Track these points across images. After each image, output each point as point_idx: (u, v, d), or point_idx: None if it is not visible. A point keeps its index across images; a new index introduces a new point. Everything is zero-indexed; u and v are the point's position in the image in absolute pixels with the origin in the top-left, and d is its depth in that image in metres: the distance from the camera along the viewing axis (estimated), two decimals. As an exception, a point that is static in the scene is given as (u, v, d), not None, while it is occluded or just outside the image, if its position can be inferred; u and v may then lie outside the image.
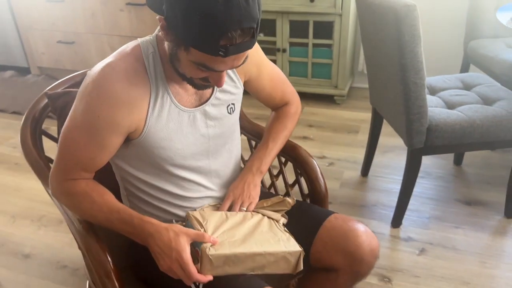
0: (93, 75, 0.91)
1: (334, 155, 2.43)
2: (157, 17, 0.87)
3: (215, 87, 1.05)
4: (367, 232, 1.08)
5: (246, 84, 1.16)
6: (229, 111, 1.09)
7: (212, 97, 1.04)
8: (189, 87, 0.99)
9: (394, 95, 1.68)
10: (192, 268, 0.90)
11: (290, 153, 1.32)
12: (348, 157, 2.41)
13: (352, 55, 3.04)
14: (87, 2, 3.20)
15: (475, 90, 1.89)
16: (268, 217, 1.10)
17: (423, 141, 1.67)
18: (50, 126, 1.40)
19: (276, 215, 1.11)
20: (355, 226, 1.08)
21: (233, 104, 1.10)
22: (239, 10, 0.76)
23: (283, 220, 1.11)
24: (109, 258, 0.96)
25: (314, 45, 2.87)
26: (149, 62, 0.94)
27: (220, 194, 1.14)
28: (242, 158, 1.47)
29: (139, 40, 0.98)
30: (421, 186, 2.14)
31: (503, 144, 1.72)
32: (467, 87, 1.95)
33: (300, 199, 1.31)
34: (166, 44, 0.91)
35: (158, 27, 0.95)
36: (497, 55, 2.19)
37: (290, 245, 1.01)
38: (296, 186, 1.36)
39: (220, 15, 0.76)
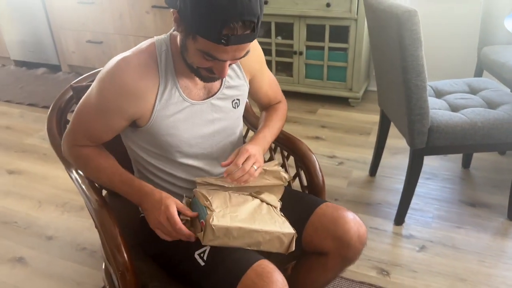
0: (110, 65, 1.05)
1: (344, 155, 2.50)
2: (171, 10, 0.99)
3: (223, 82, 1.15)
4: (355, 219, 1.17)
5: (250, 81, 1.26)
6: (234, 106, 1.20)
7: (219, 91, 1.15)
8: (198, 81, 1.10)
9: (397, 97, 1.75)
10: (178, 220, 1.01)
11: (291, 147, 1.41)
12: (357, 157, 2.48)
13: (368, 59, 3.11)
14: (115, 4, 3.37)
15: (481, 95, 1.94)
16: (267, 203, 1.19)
17: (425, 141, 1.74)
18: (74, 116, 1.53)
19: (275, 202, 1.20)
20: (344, 213, 1.17)
21: (238, 99, 1.20)
22: (241, 4, 0.87)
23: (279, 205, 1.20)
24: (119, 232, 1.08)
25: (330, 48, 2.95)
26: (161, 59, 1.06)
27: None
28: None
29: (155, 38, 1.10)
30: (427, 187, 2.19)
31: (505, 146, 1.77)
32: (473, 91, 2.00)
33: (300, 190, 1.40)
34: (178, 37, 1.03)
35: (173, 28, 1.06)
36: (508, 61, 2.22)
37: (285, 227, 1.10)
38: (297, 179, 1.45)
39: (224, 7, 0.87)
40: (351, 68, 2.94)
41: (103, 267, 1.45)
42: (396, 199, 2.10)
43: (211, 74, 1.03)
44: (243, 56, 0.99)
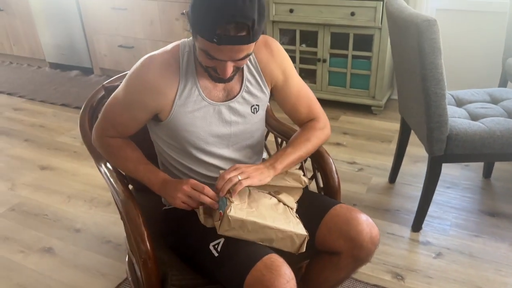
0: (138, 63, 1.15)
1: (365, 162, 2.53)
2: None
3: (243, 87, 1.21)
4: (368, 221, 1.20)
5: (272, 91, 1.30)
6: (253, 111, 1.25)
7: (238, 95, 1.21)
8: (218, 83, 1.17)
9: (417, 104, 1.78)
10: (202, 185, 1.12)
11: (309, 149, 1.46)
12: (378, 164, 2.50)
13: (392, 67, 3.13)
14: (147, 10, 3.50)
15: (502, 104, 1.94)
16: (284, 204, 1.24)
17: (443, 149, 1.76)
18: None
19: (291, 203, 1.25)
20: (357, 215, 1.20)
21: (257, 105, 1.25)
22: (235, 6, 0.93)
23: (296, 207, 1.25)
24: (143, 222, 1.15)
25: (354, 56, 2.99)
26: (183, 59, 1.14)
27: None
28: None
29: (182, 40, 1.18)
30: (446, 195, 2.19)
31: (525, 156, 1.77)
32: (494, 101, 2.00)
33: (316, 191, 1.44)
34: None
35: None
36: (532, 72, 2.22)
37: (298, 228, 1.15)
38: (313, 181, 1.49)
39: (218, 7, 0.94)
40: (374, 76, 2.96)
41: (127, 259, 1.53)
42: (414, 206, 2.11)
43: (217, 74, 1.10)
44: (243, 59, 1.04)
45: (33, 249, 1.96)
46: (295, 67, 3.17)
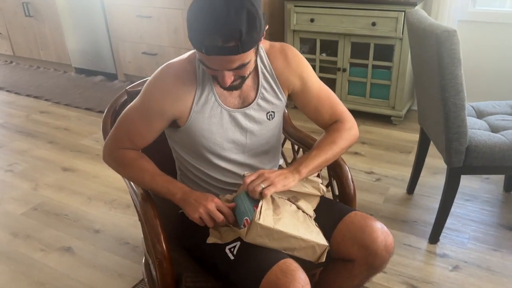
0: (156, 70, 1.18)
1: (383, 172, 2.52)
2: None
3: (258, 94, 1.23)
4: (382, 229, 1.20)
5: (291, 97, 1.31)
6: (268, 118, 1.27)
7: (253, 102, 1.23)
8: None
9: (436, 114, 1.77)
10: (225, 207, 1.14)
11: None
12: (396, 175, 2.48)
13: (412, 78, 3.11)
14: (171, 19, 3.57)
15: (524, 117, 1.92)
16: (303, 211, 1.24)
17: (462, 160, 1.74)
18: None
19: (310, 211, 1.26)
20: (372, 222, 1.20)
21: (272, 112, 1.27)
22: (220, 18, 0.96)
23: (314, 215, 1.25)
24: (159, 223, 1.18)
25: (374, 66, 2.98)
26: (200, 66, 1.17)
27: None
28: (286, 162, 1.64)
29: None
30: (465, 208, 2.16)
31: (546, 170, 1.74)
32: (516, 113, 1.98)
33: (331, 199, 1.45)
34: None
35: None
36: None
37: (319, 238, 1.15)
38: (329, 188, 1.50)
39: (204, 19, 0.97)
40: (394, 87, 2.95)
41: (143, 261, 1.56)
42: (432, 218, 2.08)
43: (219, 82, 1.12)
44: (239, 68, 1.05)
45: (53, 248, 2.01)
46: (314, 76, 3.18)
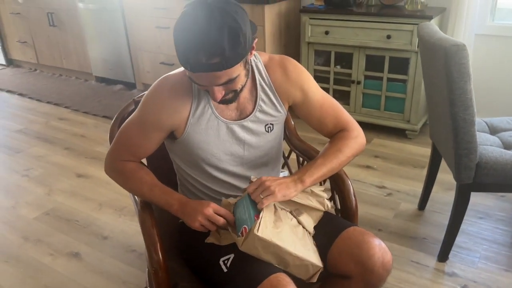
0: (154, 83, 1.20)
1: (394, 187, 2.47)
2: None
3: (256, 106, 1.23)
4: (380, 245, 1.17)
5: (293, 108, 1.31)
6: (267, 130, 1.27)
7: (251, 115, 1.23)
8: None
9: (445, 130, 1.74)
10: (222, 209, 1.14)
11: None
12: (408, 190, 2.44)
13: (429, 92, 3.07)
14: (188, 29, 3.62)
15: (539, 134, 1.86)
16: (303, 227, 1.23)
17: (472, 177, 1.70)
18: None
19: (310, 227, 1.24)
20: (370, 239, 1.18)
21: (271, 124, 1.27)
22: (201, 37, 0.97)
23: (313, 232, 1.24)
24: (157, 232, 1.19)
25: (389, 79, 2.95)
26: None
27: None
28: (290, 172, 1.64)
29: None
30: (478, 226, 2.11)
31: (561, 189, 1.68)
32: (531, 130, 1.92)
33: (333, 213, 1.43)
34: None
35: None
36: None
37: (315, 258, 1.14)
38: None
39: (187, 37, 0.98)
40: (409, 100, 2.92)
41: (147, 268, 1.56)
42: (442, 235, 2.03)
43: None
44: (226, 83, 1.05)
45: (62, 252, 2.04)
46: (328, 88, 3.18)
